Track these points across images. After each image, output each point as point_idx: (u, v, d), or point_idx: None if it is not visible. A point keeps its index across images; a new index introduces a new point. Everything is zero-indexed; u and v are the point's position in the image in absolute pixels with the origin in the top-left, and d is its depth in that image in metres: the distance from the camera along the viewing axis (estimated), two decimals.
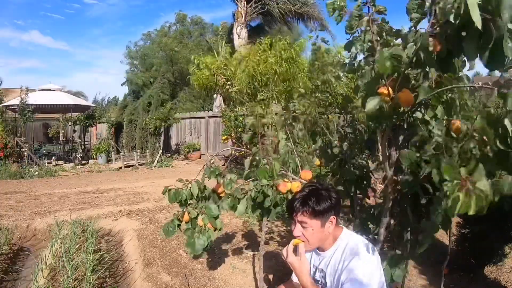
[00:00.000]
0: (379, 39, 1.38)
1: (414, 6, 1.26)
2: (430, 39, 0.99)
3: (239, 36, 13.85)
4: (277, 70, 5.98)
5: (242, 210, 1.66)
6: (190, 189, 1.73)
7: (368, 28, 1.39)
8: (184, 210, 1.73)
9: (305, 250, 1.40)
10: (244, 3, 13.91)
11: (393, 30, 1.43)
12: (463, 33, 0.94)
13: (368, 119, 1.27)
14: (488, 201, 0.87)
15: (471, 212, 0.87)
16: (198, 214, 1.67)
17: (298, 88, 2.02)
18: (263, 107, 5.77)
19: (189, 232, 1.66)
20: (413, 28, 1.26)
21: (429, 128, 1.30)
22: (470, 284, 2.63)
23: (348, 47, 1.57)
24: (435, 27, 1.00)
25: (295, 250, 1.41)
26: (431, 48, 1.01)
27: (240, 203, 1.67)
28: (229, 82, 6.54)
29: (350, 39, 1.57)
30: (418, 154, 1.23)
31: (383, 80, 1.12)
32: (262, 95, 5.87)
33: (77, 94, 23.17)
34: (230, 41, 15.23)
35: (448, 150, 1.05)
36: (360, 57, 1.57)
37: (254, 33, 14.86)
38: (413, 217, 1.51)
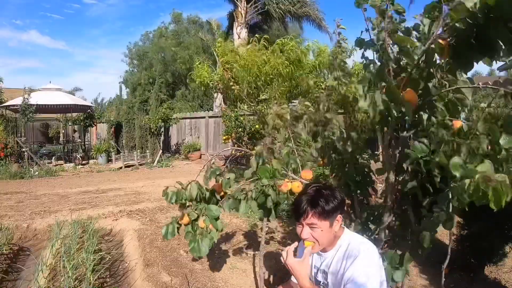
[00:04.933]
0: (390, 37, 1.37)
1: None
2: (440, 39, 1.01)
3: (239, 36, 13.82)
4: (282, 71, 5.91)
5: (243, 210, 1.64)
6: (190, 191, 1.70)
7: (383, 25, 1.37)
8: (184, 212, 1.68)
9: (312, 251, 1.38)
10: (244, 3, 13.89)
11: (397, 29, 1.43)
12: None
13: (376, 123, 1.27)
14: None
15: (491, 205, 0.88)
16: (198, 216, 1.63)
17: (305, 84, 2.00)
18: (266, 106, 5.74)
19: (190, 235, 1.61)
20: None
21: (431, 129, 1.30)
22: (470, 284, 2.63)
23: (359, 44, 1.55)
24: (444, 29, 1.01)
25: (296, 251, 1.40)
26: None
27: (241, 204, 1.66)
28: (233, 80, 6.47)
29: (363, 31, 1.54)
30: (424, 153, 1.23)
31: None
32: (264, 94, 5.84)
33: (74, 90, 23.14)
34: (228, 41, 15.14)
35: (454, 145, 1.06)
36: (368, 54, 1.55)
37: (253, 32, 14.84)
38: (414, 217, 1.51)
